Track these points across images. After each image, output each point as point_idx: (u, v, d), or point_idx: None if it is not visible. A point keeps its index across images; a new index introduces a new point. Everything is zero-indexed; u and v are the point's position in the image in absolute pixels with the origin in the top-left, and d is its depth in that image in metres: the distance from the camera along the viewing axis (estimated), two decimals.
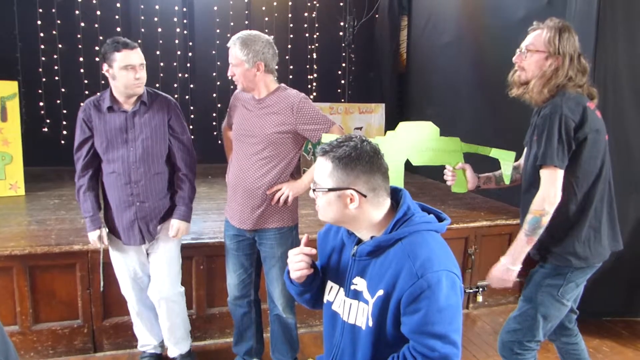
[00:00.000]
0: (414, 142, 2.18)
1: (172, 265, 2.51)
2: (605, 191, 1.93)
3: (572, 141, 1.82)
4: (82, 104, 2.38)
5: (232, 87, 2.68)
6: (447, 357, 1.18)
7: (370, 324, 1.29)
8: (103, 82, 5.55)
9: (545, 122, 1.83)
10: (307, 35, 6.27)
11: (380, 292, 1.26)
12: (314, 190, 1.33)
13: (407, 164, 2.18)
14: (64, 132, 5.52)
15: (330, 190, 1.28)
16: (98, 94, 2.42)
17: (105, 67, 2.25)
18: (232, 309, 2.55)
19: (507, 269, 1.91)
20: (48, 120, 5.50)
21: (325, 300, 1.43)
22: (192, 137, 2.41)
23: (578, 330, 2.18)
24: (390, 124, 2.21)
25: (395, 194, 1.37)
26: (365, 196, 1.28)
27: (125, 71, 2.21)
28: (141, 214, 2.37)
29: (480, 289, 3.50)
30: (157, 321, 2.62)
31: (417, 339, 1.21)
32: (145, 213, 2.38)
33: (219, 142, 5.38)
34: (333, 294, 1.41)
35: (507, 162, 2.11)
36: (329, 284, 1.43)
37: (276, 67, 2.30)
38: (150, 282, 2.51)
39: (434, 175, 5.07)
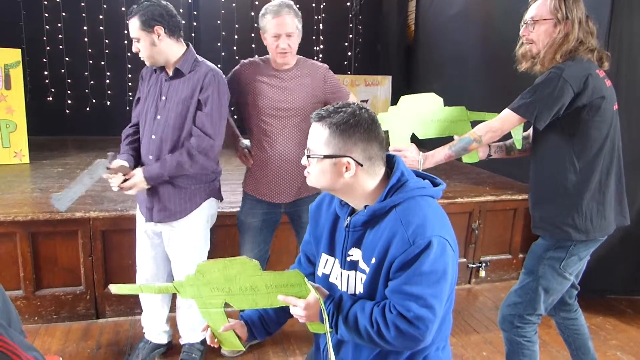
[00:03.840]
0: (418, 115, 2.11)
1: (194, 254, 2.26)
2: (612, 163, 1.87)
3: (562, 106, 1.78)
4: None
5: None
6: (421, 319, 1.16)
7: (362, 290, 1.27)
8: (107, 51, 5.50)
9: (542, 79, 1.81)
10: (313, 5, 6.12)
11: (374, 260, 1.23)
12: (308, 156, 1.28)
13: (414, 138, 2.12)
14: (69, 102, 5.49)
15: (325, 157, 1.24)
16: None
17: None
18: None
19: (419, 159, 1.97)
20: (52, 90, 5.47)
21: (320, 274, 1.40)
22: None
23: (578, 306, 2.16)
24: (397, 97, 2.16)
25: (388, 160, 1.33)
26: (361, 165, 1.24)
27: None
28: (153, 191, 2.16)
29: (483, 264, 3.48)
30: (163, 308, 2.45)
31: (394, 298, 1.19)
32: (157, 192, 2.17)
33: None
34: (329, 266, 1.38)
35: (517, 127, 2.06)
36: (324, 256, 1.39)
37: None
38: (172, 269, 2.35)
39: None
